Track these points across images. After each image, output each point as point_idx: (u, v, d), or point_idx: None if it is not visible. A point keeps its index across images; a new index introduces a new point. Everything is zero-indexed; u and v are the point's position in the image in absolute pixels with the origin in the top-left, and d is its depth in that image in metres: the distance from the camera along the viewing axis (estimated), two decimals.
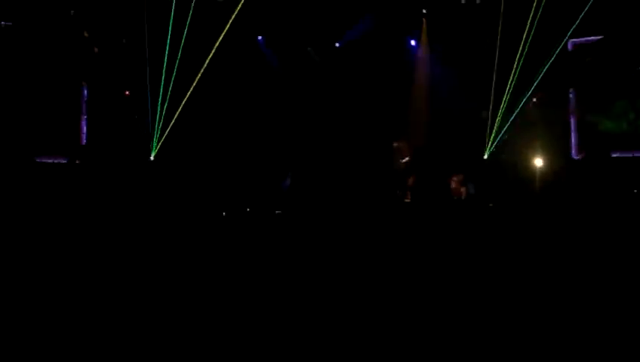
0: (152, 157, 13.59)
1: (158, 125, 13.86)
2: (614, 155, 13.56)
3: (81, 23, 13.49)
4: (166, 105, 13.80)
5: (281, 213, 12.01)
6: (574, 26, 13.58)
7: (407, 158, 14.44)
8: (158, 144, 13.83)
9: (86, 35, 13.60)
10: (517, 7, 14.21)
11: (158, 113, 13.79)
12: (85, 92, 13.96)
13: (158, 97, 13.64)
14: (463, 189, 13.84)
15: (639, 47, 13.58)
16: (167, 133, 13.83)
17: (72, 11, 13.39)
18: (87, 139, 13.94)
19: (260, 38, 15.48)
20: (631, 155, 13.78)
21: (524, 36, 13.98)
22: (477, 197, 13.43)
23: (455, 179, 13.98)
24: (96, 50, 13.70)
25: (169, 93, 13.75)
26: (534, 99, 14.57)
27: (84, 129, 13.93)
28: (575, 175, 13.41)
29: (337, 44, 15.67)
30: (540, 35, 13.86)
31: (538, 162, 14.62)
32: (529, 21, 13.83)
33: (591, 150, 13.72)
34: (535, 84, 14.16)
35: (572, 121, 14.71)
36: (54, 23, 13.18)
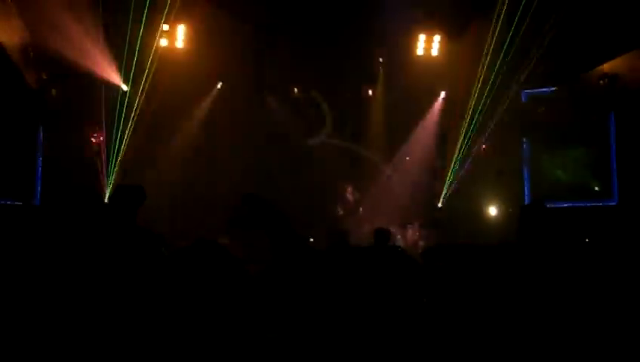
0: (105, 200, 13.52)
1: (113, 167, 13.86)
2: (566, 205, 13.75)
3: (40, 64, 13.45)
4: (123, 147, 13.84)
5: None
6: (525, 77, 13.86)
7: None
8: (111, 186, 13.83)
9: (44, 76, 13.57)
10: (473, 58, 14.48)
11: (113, 156, 13.80)
12: (41, 134, 13.87)
13: (114, 141, 13.68)
14: (418, 236, 13.96)
15: (592, 97, 13.81)
16: (120, 175, 13.87)
17: (32, 53, 13.35)
18: (41, 180, 13.80)
19: None
20: (583, 205, 14.00)
21: (478, 86, 14.24)
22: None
23: (410, 226, 14.11)
24: (54, 92, 13.66)
25: (126, 136, 13.79)
26: (483, 146, 14.77)
27: (39, 171, 13.81)
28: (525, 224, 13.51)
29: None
30: (494, 86, 14.11)
31: (492, 211, 14.81)
32: (483, 71, 14.11)
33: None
34: (487, 134, 14.39)
35: (525, 169, 14.90)
36: (12, 64, 13.11)
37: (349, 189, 14.51)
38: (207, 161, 15.15)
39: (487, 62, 13.95)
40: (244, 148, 15.35)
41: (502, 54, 13.67)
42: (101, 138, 14.02)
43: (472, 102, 14.26)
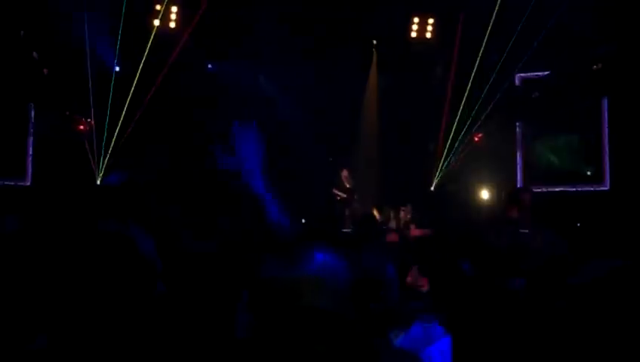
0: (98, 182, 13.50)
1: (106, 149, 13.81)
2: (558, 189, 13.79)
3: (31, 43, 13.37)
4: (117, 128, 13.79)
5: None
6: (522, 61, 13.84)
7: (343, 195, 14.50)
8: (103, 168, 13.78)
9: (35, 56, 13.48)
10: (467, 41, 14.45)
11: (105, 136, 13.74)
12: (32, 113, 13.80)
13: (106, 120, 13.61)
14: (409, 218, 13.96)
15: (586, 82, 13.81)
16: (113, 156, 13.82)
17: (22, 32, 13.27)
18: (32, 160, 13.75)
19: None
20: (574, 190, 14.04)
21: (473, 69, 14.22)
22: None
23: (403, 209, 14.10)
24: (45, 71, 13.57)
25: (121, 116, 13.74)
26: (476, 138, 14.79)
27: (30, 150, 13.76)
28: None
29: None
30: (488, 69, 14.10)
31: (484, 194, 14.82)
32: (479, 55, 14.08)
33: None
34: (481, 120, 14.38)
35: (518, 154, 14.91)
36: (4, 43, 13.03)
37: (345, 173, 14.44)
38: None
39: (482, 45, 13.94)
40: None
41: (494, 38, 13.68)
42: (89, 122, 13.93)
43: (468, 86, 14.25)
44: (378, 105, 15.96)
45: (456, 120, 14.63)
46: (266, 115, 15.47)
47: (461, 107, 14.49)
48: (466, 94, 14.38)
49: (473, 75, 14.24)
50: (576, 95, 13.95)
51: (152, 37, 13.76)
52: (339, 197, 14.38)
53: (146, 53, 13.67)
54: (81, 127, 13.93)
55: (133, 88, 13.76)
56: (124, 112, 13.75)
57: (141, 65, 13.62)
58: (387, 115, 15.63)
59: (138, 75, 13.73)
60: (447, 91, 14.96)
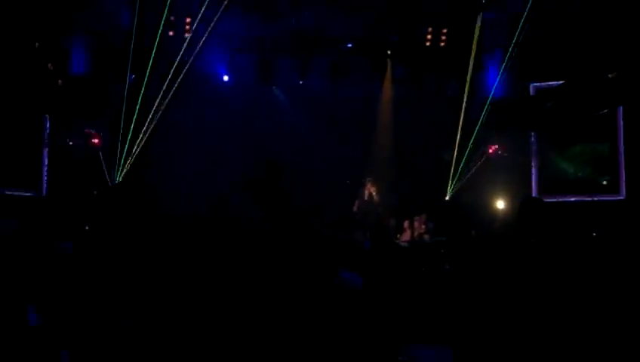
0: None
1: (120, 160, 13.86)
2: (572, 199, 13.71)
3: (46, 55, 13.44)
4: (129, 135, 13.83)
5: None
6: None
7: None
8: (121, 174, 13.84)
9: (50, 67, 13.55)
10: (481, 49, 14.44)
11: (120, 143, 13.79)
12: (48, 124, 13.87)
13: (120, 127, 13.67)
14: (424, 228, 13.90)
15: (600, 92, 13.74)
16: (130, 163, 13.87)
17: (37, 43, 13.35)
18: (48, 171, 13.80)
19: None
20: (590, 199, 13.95)
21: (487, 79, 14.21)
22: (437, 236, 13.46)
23: (417, 219, 14.05)
24: (60, 82, 13.64)
25: (132, 124, 13.79)
26: (490, 150, 14.76)
27: (46, 161, 13.81)
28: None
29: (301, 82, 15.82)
30: (501, 78, 14.08)
31: (499, 204, 14.75)
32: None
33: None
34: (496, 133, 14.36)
35: (533, 164, 14.84)
36: (19, 54, 13.11)
37: (369, 185, 14.36)
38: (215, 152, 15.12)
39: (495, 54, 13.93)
40: (251, 138, 15.34)
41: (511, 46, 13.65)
42: (100, 135, 14.01)
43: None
44: (392, 115, 15.91)
45: (475, 132, 14.59)
46: (279, 127, 15.57)
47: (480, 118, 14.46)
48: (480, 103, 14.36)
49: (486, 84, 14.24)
50: (591, 104, 13.89)
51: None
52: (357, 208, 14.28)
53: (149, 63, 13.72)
54: (96, 140, 14.00)
55: (140, 97, 13.80)
56: (133, 122, 13.82)
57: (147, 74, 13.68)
58: (402, 125, 15.61)
59: (145, 83, 13.79)
60: (462, 99, 14.90)
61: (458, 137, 14.94)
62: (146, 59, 13.64)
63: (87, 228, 11.11)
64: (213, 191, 13.68)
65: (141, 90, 13.69)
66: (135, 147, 13.98)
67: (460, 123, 14.84)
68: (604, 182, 14.25)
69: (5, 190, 12.87)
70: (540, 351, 4.76)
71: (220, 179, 13.60)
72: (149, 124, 13.98)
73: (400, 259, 7.56)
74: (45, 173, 13.76)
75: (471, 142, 14.61)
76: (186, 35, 14.59)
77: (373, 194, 14.24)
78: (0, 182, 12.85)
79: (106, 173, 13.91)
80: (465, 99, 14.76)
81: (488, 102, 14.28)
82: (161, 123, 14.20)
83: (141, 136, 13.92)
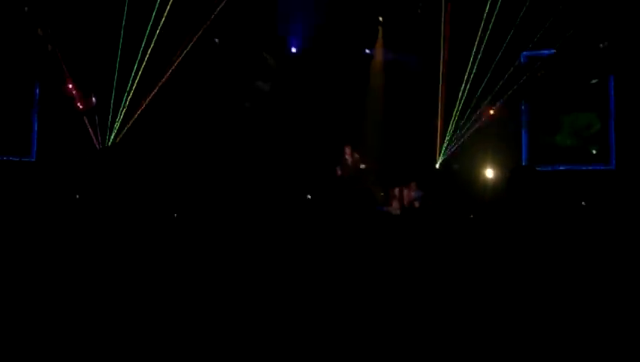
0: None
1: (111, 126, 13.80)
2: (562, 168, 13.77)
3: (36, 20, 13.33)
4: (124, 102, 13.75)
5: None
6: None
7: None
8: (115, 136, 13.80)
9: (40, 32, 13.45)
10: (473, 18, 14.36)
11: (111, 109, 13.72)
12: (37, 90, 13.79)
13: (112, 93, 13.58)
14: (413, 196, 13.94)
15: (591, 60, 13.76)
16: (122, 131, 13.82)
17: (26, 8, 13.24)
18: (37, 136, 13.76)
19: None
20: (580, 169, 14.02)
21: (477, 47, 14.15)
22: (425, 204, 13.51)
23: (407, 188, 14.08)
24: (50, 47, 13.54)
25: (129, 90, 13.70)
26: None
27: (36, 126, 13.77)
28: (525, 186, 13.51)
29: (293, 50, 15.73)
30: (493, 47, 14.03)
31: (489, 173, 14.79)
32: (483, 33, 14.00)
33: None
34: (489, 97, 14.33)
35: (523, 133, 14.87)
36: (8, 19, 13.01)
37: (348, 150, 14.33)
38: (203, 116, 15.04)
39: (489, 22, 13.86)
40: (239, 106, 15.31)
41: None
42: (93, 100, 13.89)
43: (471, 63, 14.18)
44: (383, 81, 15.85)
45: (461, 98, 14.55)
46: (270, 91, 15.51)
47: (464, 85, 14.41)
48: (468, 72, 14.31)
49: (477, 52, 14.18)
50: (582, 74, 13.90)
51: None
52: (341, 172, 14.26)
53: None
54: (82, 105, 13.90)
55: (136, 65, 13.70)
56: (128, 89, 13.71)
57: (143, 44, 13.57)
58: (392, 91, 15.55)
59: (141, 54, 13.68)
60: (452, 69, 14.85)
61: (442, 103, 14.91)
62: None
63: (77, 196, 11.11)
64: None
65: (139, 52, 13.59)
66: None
67: (442, 89, 14.81)
68: (594, 152, 14.31)
69: None
70: (531, 328, 4.80)
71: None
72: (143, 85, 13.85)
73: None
74: (35, 139, 13.73)
75: (457, 109, 14.59)
76: None
77: (357, 159, 14.25)
78: None
79: (94, 137, 13.83)
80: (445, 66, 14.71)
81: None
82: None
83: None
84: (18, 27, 13.14)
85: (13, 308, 4.68)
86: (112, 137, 13.83)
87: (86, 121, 13.77)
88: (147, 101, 13.85)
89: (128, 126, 13.84)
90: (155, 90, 13.91)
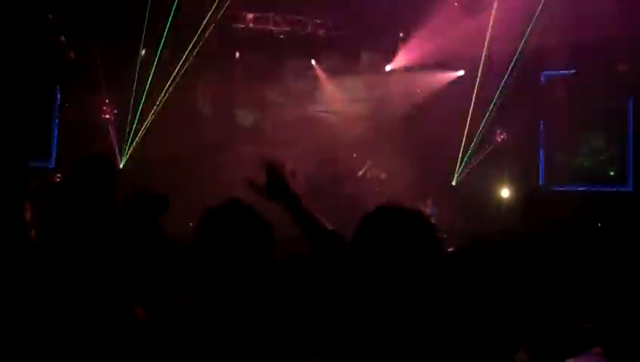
0: (120, 166, 13.57)
1: (130, 133, 13.87)
2: (579, 188, 13.70)
3: (59, 27, 13.47)
4: (138, 113, 13.83)
5: None
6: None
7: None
8: (128, 152, 13.85)
9: (63, 39, 13.58)
10: (495, 37, 14.38)
11: (129, 120, 13.80)
12: (58, 96, 13.91)
13: (130, 105, 13.67)
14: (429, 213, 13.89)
15: (611, 82, 13.71)
16: (137, 140, 13.88)
17: (50, 15, 13.38)
18: (57, 142, 13.86)
19: None
20: (597, 190, 13.95)
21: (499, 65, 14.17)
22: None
23: (422, 203, 14.04)
24: (72, 55, 13.66)
25: (141, 102, 13.78)
26: (502, 137, 14.71)
27: (55, 132, 13.88)
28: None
29: None
30: (514, 67, 14.03)
31: (505, 193, 14.75)
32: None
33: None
34: (506, 119, 14.31)
35: (541, 152, 14.83)
36: (32, 26, 13.14)
37: (368, 164, 14.37)
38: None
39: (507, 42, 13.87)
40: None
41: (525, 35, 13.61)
42: (114, 111, 13.99)
43: (493, 82, 14.20)
44: (401, 97, 15.87)
45: (485, 118, 14.55)
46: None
47: (491, 104, 14.42)
48: (491, 90, 14.33)
49: (497, 70, 14.20)
50: (601, 95, 13.87)
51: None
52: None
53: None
54: (107, 115, 14.00)
55: (152, 74, 13.79)
56: (142, 99, 13.81)
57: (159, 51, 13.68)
58: (410, 107, 15.59)
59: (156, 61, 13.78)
60: (473, 85, 14.84)
61: (467, 123, 14.90)
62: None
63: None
64: None
65: (154, 63, 13.69)
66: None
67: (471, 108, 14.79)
68: (612, 173, 14.24)
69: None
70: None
71: None
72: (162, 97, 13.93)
73: None
74: (54, 146, 13.83)
75: (481, 128, 14.59)
76: None
77: (376, 175, 14.28)
78: (11, 153, 12.90)
79: (115, 147, 13.89)
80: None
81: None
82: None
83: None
84: (41, 34, 13.26)
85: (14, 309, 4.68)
86: (129, 145, 13.91)
87: (110, 131, 13.87)
88: (157, 108, 13.95)
89: (142, 134, 13.94)
90: (166, 96, 14.02)
